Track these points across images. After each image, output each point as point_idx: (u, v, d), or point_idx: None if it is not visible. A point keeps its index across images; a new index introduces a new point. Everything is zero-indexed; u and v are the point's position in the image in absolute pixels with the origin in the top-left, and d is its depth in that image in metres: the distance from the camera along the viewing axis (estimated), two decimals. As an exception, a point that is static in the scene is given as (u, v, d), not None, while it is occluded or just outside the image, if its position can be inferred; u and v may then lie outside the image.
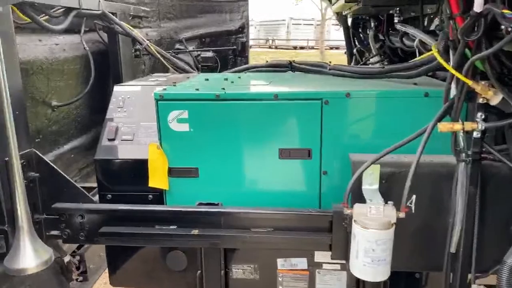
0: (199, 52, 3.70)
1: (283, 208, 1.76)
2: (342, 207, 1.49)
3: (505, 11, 0.96)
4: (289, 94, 1.78)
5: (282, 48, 29.65)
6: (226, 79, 2.19)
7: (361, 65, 2.86)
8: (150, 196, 1.92)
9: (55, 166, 1.85)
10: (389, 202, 1.44)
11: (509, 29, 0.99)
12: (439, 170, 1.54)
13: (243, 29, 3.94)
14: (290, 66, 2.47)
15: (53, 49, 2.27)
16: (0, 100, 1.53)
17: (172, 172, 1.87)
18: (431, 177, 1.55)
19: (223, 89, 1.83)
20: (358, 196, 1.53)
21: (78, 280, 2.43)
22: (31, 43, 2.12)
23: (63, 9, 2.13)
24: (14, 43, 1.73)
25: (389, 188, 1.54)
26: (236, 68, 2.79)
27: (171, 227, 1.78)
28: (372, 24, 2.50)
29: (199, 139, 1.83)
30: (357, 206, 1.45)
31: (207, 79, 2.26)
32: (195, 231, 1.74)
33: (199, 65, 3.69)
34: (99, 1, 2.36)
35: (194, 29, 3.79)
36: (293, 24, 30.31)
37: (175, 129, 1.83)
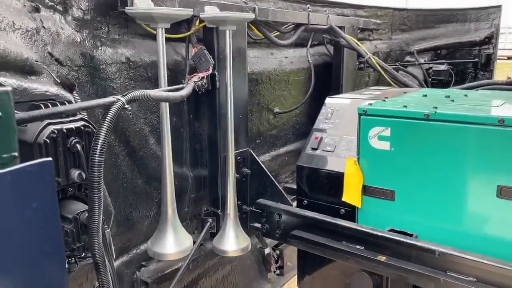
0: (431, 65, 3.41)
1: (495, 259, 1.44)
2: None
3: None
4: (521, 121, 1.43)
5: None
6: (448, 97, 1.95)
7: None
8: (343, 210, 1.90)
9: (263, 166, 2.06)
10: None
11: None
12: None
13: (490, 39, 3.38)
14: (539, 86, 1.98)
15: (281, 62, 2.53)
16: (225, 106, 1.81)
17: (366, 190, 1.79)
18: None
19: (435, 108, 1.63)
20: None
21: (275, 272, 2.64)
22: (265, 56, 2.42)
23: (293, 25, 2.34)
24: (245, 56, 2.01)
25: None
26: (468, 84, 2.44)
27: (358, 246, 1.72)
28: None
29: (400, 160, 1.69)
30: None
31: (425, 95, 2.07)
32: (381, 257, 1.63)
33: (429, 79, 3.40)
34: (328, 16, 2.48)
35: (428, 40, 3.51)
36: None
37: (375, 146, 1.74)
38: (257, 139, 2.44)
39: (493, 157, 1.49)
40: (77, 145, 1.05)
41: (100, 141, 0.98)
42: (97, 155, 0.98)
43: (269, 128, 2.53)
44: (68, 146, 1.06)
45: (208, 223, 1.98)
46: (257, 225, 2.08)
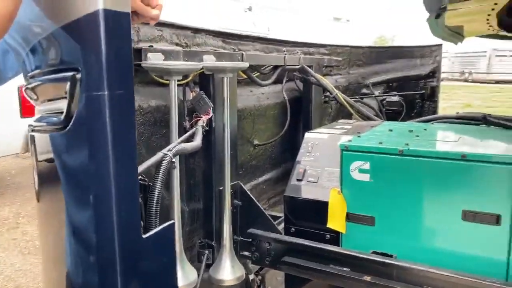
0: (384, 97, 3.79)
1: (462, 273, 1.70)
2: (533, 287, 1.38)
3: None
4: (478, 156, 1.73)
5: (480, 82, 26.61)
6: (411, 131, 2.24)
7: None
8: (328, 236, 2.10)
9: (253, 198, 2.22)
10: None
11: None
12: None
13: (434, 73, 3.85)
14: (485, 120, 2.34)
15: (259, 98, 2.73)
16: (221, 144, 1.97)
17: (349, 217, 2.01)
18: None
19: (407, 144, 1.90)
20: (555, 278, 1.39)
21: (258, 297, 2.77)
22: (245, 94, 2.61)
23: (271, 66, 2.57)
24: (236, 98, 2.19)
25: None
26: (423, 118, 2.78)
27: (344, 268, 1.92)
28: None
29: (378, 190, 1.93)
30: (552, 289, 1.32)
31: (391, 130, 2.35)
32: (367, 278, 1.84)
33: (384, 109, 3.77)
34: (300, 57, 2.74)
35: (381, 74, 3.90)
36: (496, 55, 26.90)
37: (356, 178, 1.98)
38: (240, 170, 2.60)
39: (457, 186, 1.77)
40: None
41: (156, 192, 1.09)
42: (154, 205, 1.09)
43: (250, 159, 2.71)
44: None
45: (205, 254, 2.09)
46: (247, 253, 2.23)
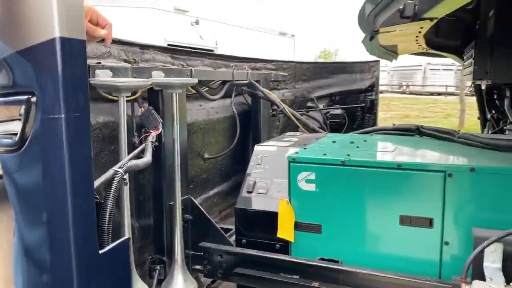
0: (328, 110, 3.98)
1: (401, 273, 1.83)
2: (460, 282, 1.52)
3: None
4: (413, 165, 1.89)
5: (417, 94, 28.39)
6: (352, 142, 2.39)
7: (494, 132, 2.76)
8: (278, 245, 2.17)
9: (204, 211, 2.24)
10: (511, 283, 1.43)
11: None
12: None
13: (372, 87, 4.10)
14: (418, 131, 2.55)
15: (209, 112, 2.78)
16: (171, 159, 1.99)
17: (297, 226, 2.10)
18: None
19: (348, 155, 2.03)
20: (479, 273, 1.54)
21: (211, 309, 2.78)
22: (195, 108, 2.64)
23: (220, 81, 2.63)
24: (186, 112, 2.22)
25: (515, 269, 1.52)
26: (363, 130, 2.95)
27: (294, 276, 2.00)
28: (508, 93, 2.44)
29: (324, 199, 2.03)
30: (476, 283, 1.47)
31: (334, 141, 2.49)
32: (315, 284, 1.93)
33: (328, 122, 3.95)
34: (248, 73, 2.82)
35: (325, 88, 4.10)
36: (430, 69, 28.93)
37: (303, 188, 2.07)
38: (191, 184, 2.62)
39: (395, 193, 1.91)
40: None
41: (108, 210, 1.10)
42: (106, 223, 1.09)
43: (201, 173, 2.73)
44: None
45: (157, 270, 2.08)
46: (199, 267, 2.24)
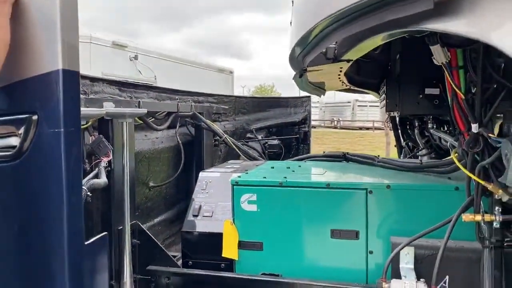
0: (266, 140, 4.26)
1: (333, 282, 2.06)
2: (381, 281, 1.78)
3: (491, 134, 1.32)
4: (339, 184, 2.17)
5: (347, 129, 30.21)
6: (288, 167, 2.64)
7: (409, 157, 3.19)
8: (223, 264, 2.31)
9: (152, 236, 2.34)
10: (421, 279, 1.71)
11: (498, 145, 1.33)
12: (469, 255, 1.79)
13: (305, 120, 4.48)
14: (344, 157, 2.88)
15: (154, 142, 2.91)
16: (121, 185, 2.09)
17: (241, 244, 2.27)
18: (461, 261, 1.79)
19: (285, 177, 2.27)
20: (396, 273, 1.81)
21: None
22: (140, 138, 2.77)
23: (165, 112, 2.79)
24: (134, 141, 2.35)
25: (424, 268, 1.81)
26: (297, 157, 3.24)
27: (239, 292, 2.15)
28: (417, 124, 2.87)
29: (265, 218, 2.24)
30: (394, 281, 1.73)
31: (272, 167, 2.73)
32: (259, 297, 2.09)
33: (266, 151, 4.23)
34: (191, 105, 3.02)
35: (263, 120, 4.41)
36: (358, 105, 31.12)
37: (246, 209, 2.26)
38: (136, 212, 2.70)
39: (325, 210, 2.17)
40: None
41: None
42: None
43: (146, 201, 2.82)
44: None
45: (105, 294, 2.11)
46: (146, 291, 2.31)
